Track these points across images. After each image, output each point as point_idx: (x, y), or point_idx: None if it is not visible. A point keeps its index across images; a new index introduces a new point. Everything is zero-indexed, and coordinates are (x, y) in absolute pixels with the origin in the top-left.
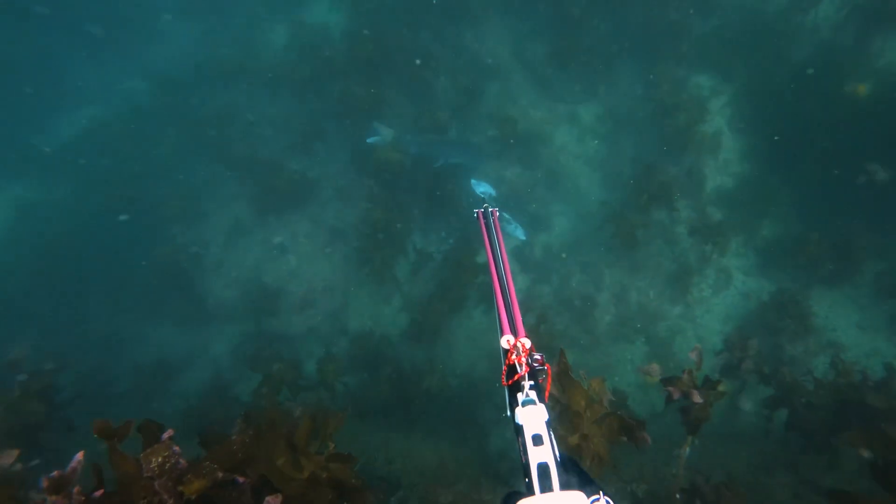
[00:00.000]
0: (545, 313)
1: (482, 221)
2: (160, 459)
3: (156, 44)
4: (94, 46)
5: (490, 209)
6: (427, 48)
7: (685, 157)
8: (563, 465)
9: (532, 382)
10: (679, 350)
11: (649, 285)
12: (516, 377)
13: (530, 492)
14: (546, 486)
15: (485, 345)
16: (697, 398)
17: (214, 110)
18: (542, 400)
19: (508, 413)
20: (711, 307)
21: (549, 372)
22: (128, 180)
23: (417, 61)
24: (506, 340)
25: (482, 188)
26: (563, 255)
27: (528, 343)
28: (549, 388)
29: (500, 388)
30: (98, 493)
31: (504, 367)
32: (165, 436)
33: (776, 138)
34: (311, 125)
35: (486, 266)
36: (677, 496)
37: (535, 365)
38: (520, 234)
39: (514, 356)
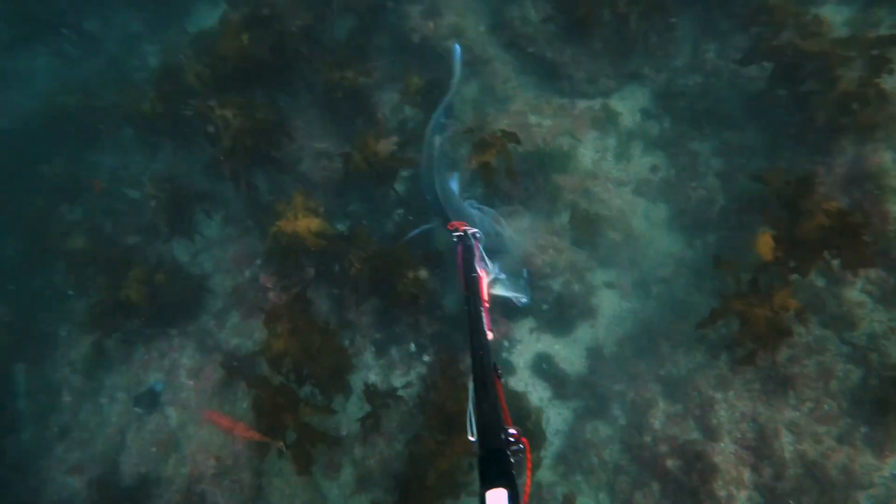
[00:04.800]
0: (615, 486)
1: (460, 253)
2: None
3: None
4: None
5: (471, 232)
6: (350, 39)
7: (833, 154)
8: None
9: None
10: None
11: (814, 417)
12: None
13: None
14: None
15: None
16: None
17: (63, 179)
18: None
19: None
20: None
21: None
22: None
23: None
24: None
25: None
26: (620, 367)
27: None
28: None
29: None
30: None
31: None
32: None
33: None
34: (181, 186)
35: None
36: None
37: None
38: (523, 298)
39: None
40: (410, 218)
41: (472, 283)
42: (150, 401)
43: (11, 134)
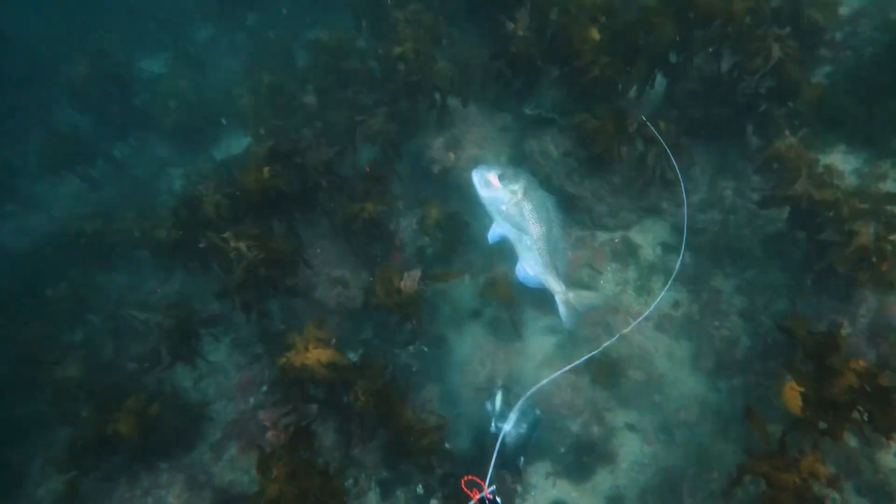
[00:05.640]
0: None
1: None
2: None
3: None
4: None
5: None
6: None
7: (857, 303)
8: None
9: None
10: None
11: None
12: None
13: None
14: None
15: None
16: None
17: (67, 302)
18: None
19: None
20: None
21: None
22: None
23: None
24: None
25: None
26: None
27: None
28: None
29: None
30: None
31: None
32: None
33: None
34: (188, 310)
35: None
36: None
37: None
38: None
39: None
40: (424, 349)
41: None
42: None
43: (23, 257)
